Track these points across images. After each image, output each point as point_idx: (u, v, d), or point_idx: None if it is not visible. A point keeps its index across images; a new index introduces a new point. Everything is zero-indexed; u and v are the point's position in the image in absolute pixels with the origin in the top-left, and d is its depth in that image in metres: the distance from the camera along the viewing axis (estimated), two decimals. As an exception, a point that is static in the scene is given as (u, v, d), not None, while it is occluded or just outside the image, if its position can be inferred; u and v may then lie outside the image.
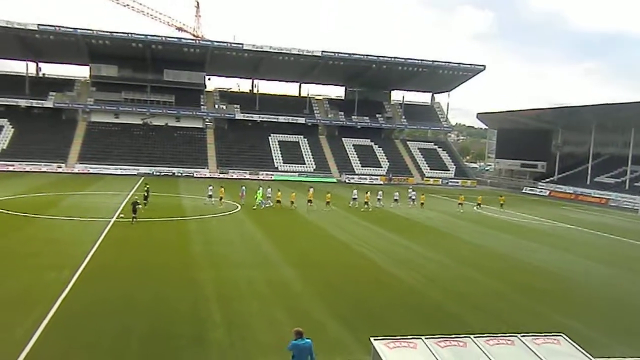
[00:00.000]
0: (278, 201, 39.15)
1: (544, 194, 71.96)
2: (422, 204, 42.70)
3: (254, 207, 37.92)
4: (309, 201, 39.51)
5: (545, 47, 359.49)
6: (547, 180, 76.73)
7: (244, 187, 40.66)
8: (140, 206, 31.30)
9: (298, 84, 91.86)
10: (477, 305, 17.33)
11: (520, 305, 17.61)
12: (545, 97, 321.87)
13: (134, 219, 29.37)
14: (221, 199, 38.18)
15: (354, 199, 42.93)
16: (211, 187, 39.66)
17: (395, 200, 44.79)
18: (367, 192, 42.87)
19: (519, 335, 10.19)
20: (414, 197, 45.48)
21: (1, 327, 13.18)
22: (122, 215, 31.80)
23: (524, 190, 75.55)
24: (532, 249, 28.74)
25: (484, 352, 9.49)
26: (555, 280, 21.66)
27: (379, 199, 43.59)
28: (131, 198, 34.40)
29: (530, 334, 10.33)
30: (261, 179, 66.31)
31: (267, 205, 38.91)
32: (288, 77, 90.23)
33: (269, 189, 40.81)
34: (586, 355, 9.76)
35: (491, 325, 14.66)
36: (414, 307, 16.72)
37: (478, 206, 45.93)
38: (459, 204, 44.79)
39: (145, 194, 36.96)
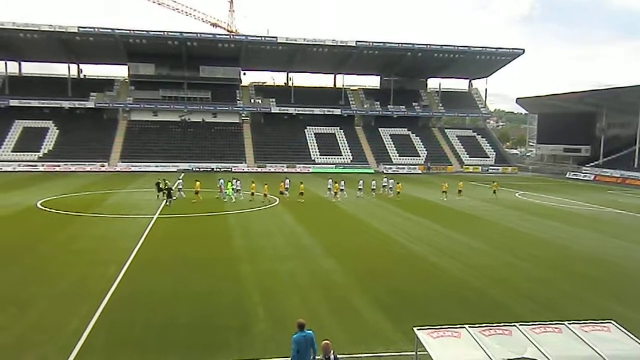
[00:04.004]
0: (252, 193, 39.32)
1: (588, 178, 69.94)
2: (398, 192, 42.24)
3: (288, 198, 38.88)
4: (281, 192, 39.90)
5: (589, 28, 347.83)
6: (592, 164, 74.51)
7: (221, 180, 41.07)
8: (173, 196, 35.35)
9: (333, 75, 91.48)
10: (523, 293, 17.00)
11: (568, 293, 17.18)
12: (588, 79, 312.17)
13: (170, 202, 34.45)
14: (197, 192, 38.26)
15: (390, 188, 44.53)
16: (180, 181, 41.08)
17: (384, 186, 45.81)
18: (336, 182, 41.97)
19: (566, 322, 9.94)
20: (391, 186, 45.03)
21: (61, 315, 14.17)
22: (167, 204, 35.18)
23: (567, 176, 73.62)
24: (579, 235, 28.02)
25: (530, 340, 9.30)
26: (604, 267, 21.06)
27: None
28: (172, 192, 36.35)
29: (579, 322, 10.06)
30: (293, 172, 66.50)
31: (239, 198, 39.14)
32: (323, 69, 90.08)
33: (239, 182, 41.12)
34: (638, 342, 9.45)
35: (538, 313, 14.43)
36: (457, 296, 16.53)
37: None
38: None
39: (164, 186, 38.04)
